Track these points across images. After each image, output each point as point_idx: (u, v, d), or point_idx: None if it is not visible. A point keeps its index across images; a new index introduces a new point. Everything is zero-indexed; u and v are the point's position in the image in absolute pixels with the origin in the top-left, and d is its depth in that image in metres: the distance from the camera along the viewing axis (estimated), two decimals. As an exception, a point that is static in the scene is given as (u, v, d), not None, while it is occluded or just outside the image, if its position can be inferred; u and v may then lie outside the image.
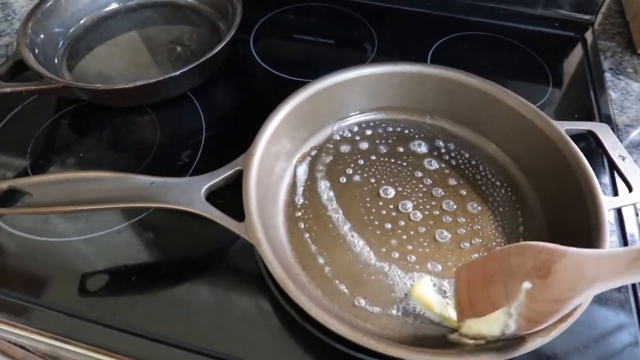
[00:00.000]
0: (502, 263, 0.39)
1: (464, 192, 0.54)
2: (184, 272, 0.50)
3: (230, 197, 0.46)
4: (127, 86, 0.59)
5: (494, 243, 0.50)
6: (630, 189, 0.48)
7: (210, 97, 0.68)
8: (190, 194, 0.45)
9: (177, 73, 0.60)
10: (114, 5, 0.79)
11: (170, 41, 0.77)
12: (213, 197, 0.47)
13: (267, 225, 0.47)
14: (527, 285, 0.36)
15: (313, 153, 0.58)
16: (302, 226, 0.51)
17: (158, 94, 0.64)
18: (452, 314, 0.43)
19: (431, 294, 0.45)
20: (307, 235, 0.51)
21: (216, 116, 0.66)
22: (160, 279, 0.49)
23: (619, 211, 0.54)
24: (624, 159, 0.50)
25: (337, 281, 0.47)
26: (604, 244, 0.42)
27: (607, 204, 0.45)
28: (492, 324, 0.38)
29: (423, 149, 0.59)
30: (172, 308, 0.47)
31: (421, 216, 0.52)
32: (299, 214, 0.52)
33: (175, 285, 0.49)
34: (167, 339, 0.44)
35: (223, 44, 0.64)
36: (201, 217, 0.44)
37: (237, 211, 0.45)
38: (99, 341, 0.45)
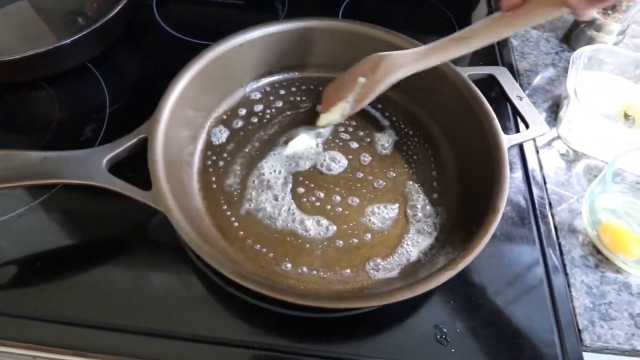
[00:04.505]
0: (350, 73, 0.51)
1: (379, 144, 0.56)
2: (97, 252, 0.47)
3: (142, 170, 0.43)
4: (9, 58, 0.53)
5: (407, 189, 0.52)
6: (527, 126, 0.51)
7: (113, 67, 0.64)
8: (90, 166, 0.42)
9: (69, 41, 0.55)
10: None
11: (68, 11, 0.70)
12: (123, 170, 0.44)
13: (180, 193, 0.45)
14: (361, 79, 0.50)
15: (225, 117, 0.56)
16: (218, 191, 0.50)
17: (51, 66, 0.59)
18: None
19: (304, 140, 0.55)
20: (223, 200, 0.49)
21: (121, 87, 0.61)
22: (71, 262, 0.46)
23: (521, 150, 0.58)
24: (521, 99, 0.53)
25: (251, 241, 0.47)
26: (504, 178, 0.45)
27: (507, 141, 0.48)
28: (336, 112, 0.52)
29: (338, 105, 0.59)
30: (86, 290, 0.44)
31: (339, 170, 0.53)
32: (214, 178, 0.51)
33: (88, 266, 0.46)
34: (81, 321, 0.42)
35: (118, 8, 0.59)
36: (104, 189, 0.41)
37: (150, 183, 0.42)
38: (6, 333, 0.42)
